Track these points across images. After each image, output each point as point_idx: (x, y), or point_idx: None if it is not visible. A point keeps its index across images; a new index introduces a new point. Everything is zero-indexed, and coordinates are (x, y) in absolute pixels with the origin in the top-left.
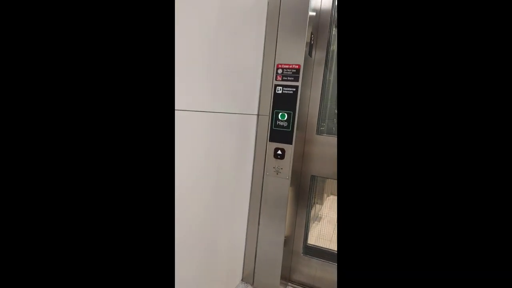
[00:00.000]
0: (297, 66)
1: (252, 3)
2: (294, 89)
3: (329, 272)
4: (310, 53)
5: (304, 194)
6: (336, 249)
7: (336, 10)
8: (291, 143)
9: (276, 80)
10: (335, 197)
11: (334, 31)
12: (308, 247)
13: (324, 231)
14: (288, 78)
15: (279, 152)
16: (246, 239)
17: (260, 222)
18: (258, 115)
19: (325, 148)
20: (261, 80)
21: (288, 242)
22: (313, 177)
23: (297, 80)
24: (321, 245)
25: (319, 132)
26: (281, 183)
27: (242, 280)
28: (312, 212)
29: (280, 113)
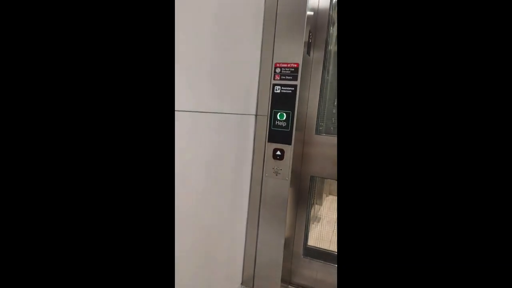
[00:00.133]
0: (295, 65)
1: (250, 1)
2: (293, 89)
3: (331, 274)
4: (308, 52)
5: (303, 195)
6: (336, 250)
7: (333, 9)
8: (290, 144)
9: (274, 79)
10: (334, 197)
11: (332, 31)
12: (308, 248)
13: (324, 232)
14: (287, 77)
15: (278, 152)
16: (245, 242)
17: (260, 224)
18: (256, 115)
19: (324, 148)
20: (259, 80)
21: (288, 244)
22: (312, 178)
23: (296, 79)
24: (321, 247)
25: (318, 132)
26: (280, 184)
27: (241, 284)
28: (311, 213)
29: (279, 113)
